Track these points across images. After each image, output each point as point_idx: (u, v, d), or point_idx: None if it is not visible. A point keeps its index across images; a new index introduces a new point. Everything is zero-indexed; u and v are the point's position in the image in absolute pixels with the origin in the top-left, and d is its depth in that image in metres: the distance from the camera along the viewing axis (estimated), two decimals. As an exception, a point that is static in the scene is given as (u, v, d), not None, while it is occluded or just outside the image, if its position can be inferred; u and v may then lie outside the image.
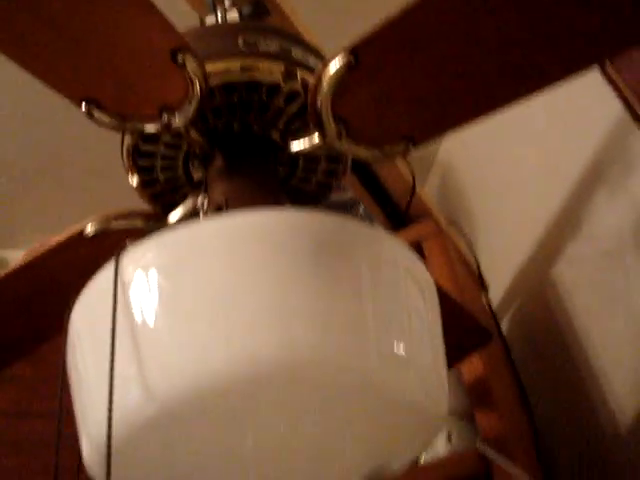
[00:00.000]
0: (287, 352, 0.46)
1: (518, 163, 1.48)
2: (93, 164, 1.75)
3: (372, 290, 0.52)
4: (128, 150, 0.69)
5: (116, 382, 0.45)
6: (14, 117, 1.68)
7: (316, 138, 0.65)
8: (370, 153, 0.66)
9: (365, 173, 1.25)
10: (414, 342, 0.53)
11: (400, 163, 1.25)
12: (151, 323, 0.48)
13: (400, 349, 0.50)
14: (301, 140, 0.68)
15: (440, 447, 1.07)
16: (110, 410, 0.44)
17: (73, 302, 0.55)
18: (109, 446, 0.42)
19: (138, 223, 0.72)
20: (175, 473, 0.52)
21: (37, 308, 0.76)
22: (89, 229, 0.71)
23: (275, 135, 0.70)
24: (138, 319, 0.48)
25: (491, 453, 0.98)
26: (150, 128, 0.62)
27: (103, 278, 0.52)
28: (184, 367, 0.46)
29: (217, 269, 0.49)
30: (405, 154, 0.67)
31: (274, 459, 0.51)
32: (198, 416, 0.48)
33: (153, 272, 0.50)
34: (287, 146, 0.69)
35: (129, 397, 0.46)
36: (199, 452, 0.50)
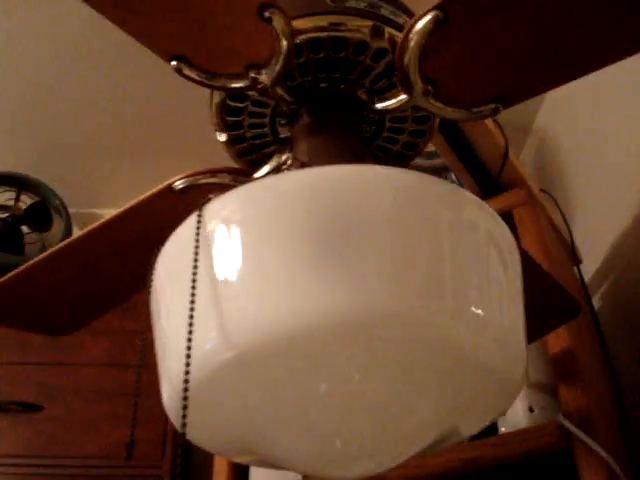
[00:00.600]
0: (362, 305, 0.47)
1: (620, 130, 1.41)
2: (185, 125, 1.79)
3: (451, 248, 0.51)
4: (217, 107, 0.71)
5: (195, 327, 0.47)
6: (109, 79, 1.74)
7: (402, 97, 0.65)
8: (458, 113, 0.65)
9: (456, 138, 1.22)
10: (492, 304, 0.52)
11: (493, 128, 1.22)
12: (231, 272, 0.50)
13: (477, 309, 0.50)
14: (388, 99, 0.68)
15: (521, 418, 1.05)
16: (188, 356, 0.46)
17: (158, 252, 0.57)
18: (186, 389, 0.44)
19: (225, 179, 0.73)
20: (248, 418, 0.54)
21: (128, 259, 0.79)
22: (178, 184, 0.73)
23: (361, 93, 0.69)
24: (218, 268, 0.50)
25: (573, 428, 0.96)
26: (237, 85, 0.63)
27: (186, 229, 0.54)
28: (260, 315, 0.47)
29: (295, 222, 0.50)
30: (494, 115, 0.65)
31: (346, 412, 0.52)
32: (272, 363, 0.49)
33: (234, 223, 0.51)
34: (373, 105, 0.69)
35: (207, 342, 0.48)
36: (272, 399, 0.52)
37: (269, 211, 0.51)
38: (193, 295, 0.47)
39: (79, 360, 1.56)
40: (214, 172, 0.73)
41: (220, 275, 0.50)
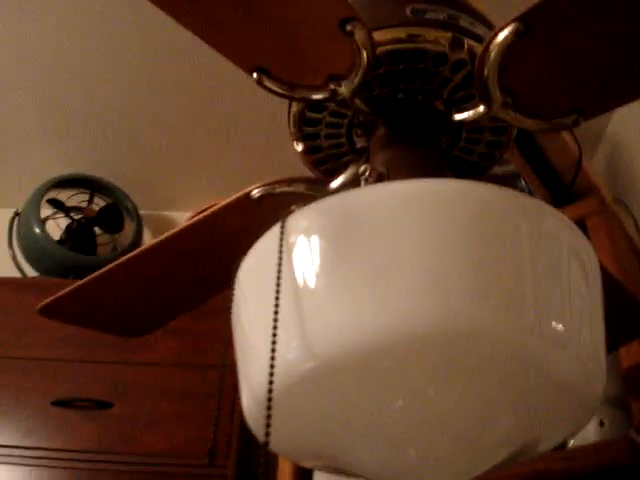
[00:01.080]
0: (443, 320, 0.47)
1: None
2: (256, 132, 1.82)
3: (532, 263, 0.51)
4: (295, 117, 0.72)
5: (278, 337, 0.48)
6: (184, 86, 1.78)
7: (481, 108, 0.64)
8: (537, 125, 0.65)
9: (528, 145, 1.21)
10: (573, 320, 0.51)
11: (566, 135, 1.20)
12: (313, 284, 0.51)
13: (558, 324, 0.50)
14: (466, 110, 0.67)
15: (591, 432, 1.03)
16: (272, 366, 0.47)
17: (240, 261, 0.58)
18: (270, 399, 0.45)
19: (301, 189, 0.74)
20: (325, 426, 0.54)
21: (204, 265, 0.81)
22: (255, 193, 0.74)
23: (439, 104, 0.69)
24: (300, 280, 0.51)
25: (646, 444, 0.94)
26: (317, 97, 0.64)
27: (269, 240, 0.55)
28: (343, 327, 0.48)
29: (378, 236, 0.50)
30: (574, 126, 0.64)
31: (422, 425, 0.52)
32: (353, 374, 0.50)
33: (316, 236, 0.52)
34: (451, 116, 0.69)
35: (289, 352, 0.49)
36: (350, 409, 0.52)
37: (351, 225, 0.51)
38: (277, 306, 0.48)
39: (149, 359, 1.60)
40: (290, 181, 0.74)
41: (302, 286, 0.51)
